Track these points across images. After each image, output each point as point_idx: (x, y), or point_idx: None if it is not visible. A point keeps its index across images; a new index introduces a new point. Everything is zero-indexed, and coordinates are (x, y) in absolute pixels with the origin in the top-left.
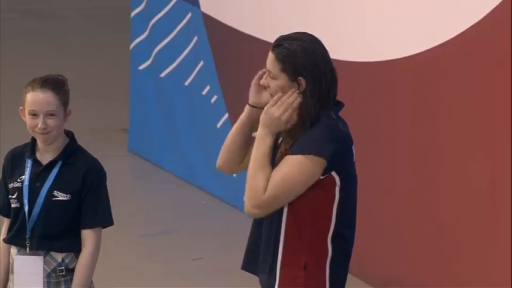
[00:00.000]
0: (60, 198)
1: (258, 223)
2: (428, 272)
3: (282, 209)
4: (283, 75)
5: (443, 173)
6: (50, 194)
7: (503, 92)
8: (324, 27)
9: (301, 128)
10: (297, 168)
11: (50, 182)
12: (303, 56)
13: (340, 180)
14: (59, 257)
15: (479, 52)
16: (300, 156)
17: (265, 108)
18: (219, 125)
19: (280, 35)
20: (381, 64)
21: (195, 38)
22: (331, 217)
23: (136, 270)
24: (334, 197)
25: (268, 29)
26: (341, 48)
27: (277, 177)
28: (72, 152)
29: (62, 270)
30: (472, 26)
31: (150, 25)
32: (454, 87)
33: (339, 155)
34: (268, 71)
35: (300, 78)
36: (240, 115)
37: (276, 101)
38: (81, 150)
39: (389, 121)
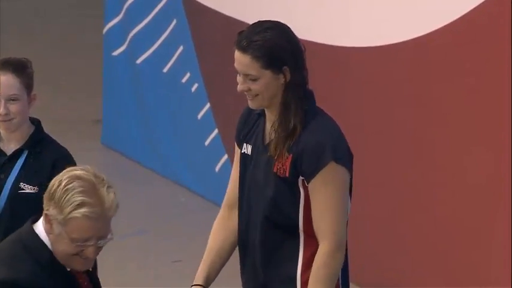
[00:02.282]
0: (27, 191)
1: (249, 246)
2: (423, 269)
3: (295, 226)
4: (267, 72)
5: (438, 167)
6: (15, 186)
7: (499, 84)
8: (310, 8)
9: (294, 121)
10: (331, 186)
11: (16, 173)
12: (281, 43)
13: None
14: None
15: (474, 41)
16: (326, 171)
17: None
18: (199, 116)
19: (262, 19)
20: (373, 50)
21: (174, 21)
22: None
23: (110, 274)
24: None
25: (253, 11)
26: (326, 32)
27: (322, 217)
28: (38, 141)
29: None
30: (465, 14)
31: (125, 7)
32: (448, 77)
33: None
34: (245, 75)
35: (285, 67)
36: (222, 104)
37: None
38: (48, 139)
39: (381, 112)
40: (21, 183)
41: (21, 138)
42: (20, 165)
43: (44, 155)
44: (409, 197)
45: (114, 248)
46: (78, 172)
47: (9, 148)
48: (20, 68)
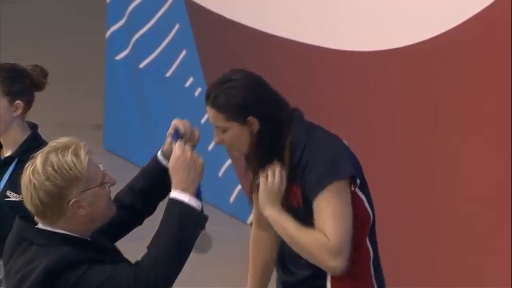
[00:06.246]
0: (12, 199)
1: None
2: (423, 270)
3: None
4: (233, 123)
5: (442, 171)
6: (2, 194)
7: (502, 88)
8: (314, 13)
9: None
10: (336, 201)
11: (5, 181)
12: (242, 95)
13: (362, 191)
14: None
15: (478, 45)
16: (327, 190)
17: (260, 192)
18: (203, 121)
19: (266, 23)
20: (373, 54)
21: (177, 26)
22: (369, 217)
23: None
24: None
25: (256, 15)
26: (331, 36)
27: (328, 221)
28: (29, 148)
29: None
30: (471, 16)
31: (128, 11)
32: (453, 81)
33: (354, 168)
34: (216, 126)
35: (250, 118)
36: None
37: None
38: (42, 146)
39: (383, 117)
40: (7, 191)
41: (14, 144)
42: (10, 172)
43: None
44: (412, 201)
45: None
46: (39, 159)
47: (6, 154)
48: (1, 75)
